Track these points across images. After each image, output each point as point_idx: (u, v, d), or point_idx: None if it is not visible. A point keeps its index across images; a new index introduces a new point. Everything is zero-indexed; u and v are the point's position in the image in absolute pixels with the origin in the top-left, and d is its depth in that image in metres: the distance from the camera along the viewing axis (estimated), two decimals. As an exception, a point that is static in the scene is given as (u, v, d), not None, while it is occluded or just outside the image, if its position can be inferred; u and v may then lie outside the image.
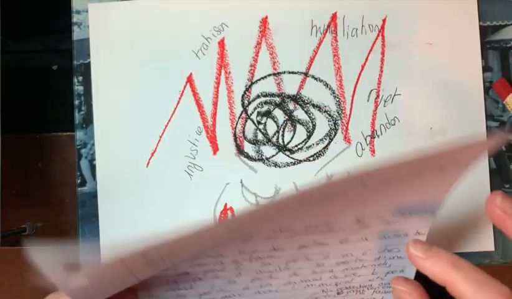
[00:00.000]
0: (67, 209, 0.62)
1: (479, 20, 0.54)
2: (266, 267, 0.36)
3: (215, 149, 0.56)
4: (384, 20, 0.55)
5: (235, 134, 0.56)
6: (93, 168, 0.57)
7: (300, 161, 0.56)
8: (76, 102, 0.57)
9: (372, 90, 0.55)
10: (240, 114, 0.56)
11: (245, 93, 0.56)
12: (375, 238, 0.36)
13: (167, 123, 0.56)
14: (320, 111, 0.55)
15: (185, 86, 0.56)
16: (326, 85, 0.55)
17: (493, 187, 0.54)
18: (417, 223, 0.36)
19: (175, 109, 0.56)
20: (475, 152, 0.31)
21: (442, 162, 0.31)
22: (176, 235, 0.28)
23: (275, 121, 0.56)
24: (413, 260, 0.33)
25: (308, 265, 0.36)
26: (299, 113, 0.56)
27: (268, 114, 0.56)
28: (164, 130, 0.56)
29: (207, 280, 0.36)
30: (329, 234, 0.35)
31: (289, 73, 0.56)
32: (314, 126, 0.55)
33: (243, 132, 0.56)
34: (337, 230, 0.34)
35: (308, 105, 0.56)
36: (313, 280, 0.37)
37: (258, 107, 0.56)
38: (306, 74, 0.56)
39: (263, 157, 0.56)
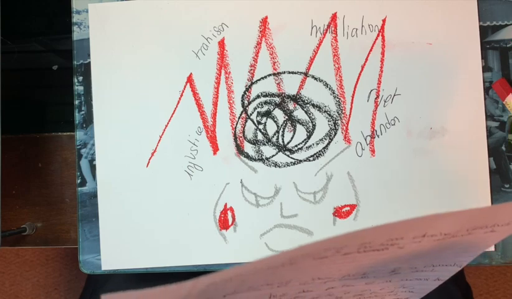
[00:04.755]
0: (67, 209, 0.62)
1: (479, 20, 0.54)
2: None
3: (215, 149, 0.56)
4: (383, 20, 0.55)
5: (235, 134, 0.56)
6: (93, 168, 0.57)
7: (300, 161, 0.56)
8: (76, 102, 0.57)
9: (372, 90, 0.55)
10: (240, 114, 0.56)
11: (245, 93, 0.56)
12: (398, 280, 0.36)
13: (167, 123, 0.56)
14: (320, 111, 0.55)
15: (185, 86, 0.56)
16: (326, 85, 0.55)
17: (493, 187, 0.54)
18: (441, 271, 0.35)
19: (175, 109, 0.56)
20: None
21: (494, 226, 0.30)
22: (226, 273, 0.27)
23: (275, 121, 0.56)
24: None
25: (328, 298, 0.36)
26: (299, 113, 0.56)
27: (268, 114, 0.56)
28: (164, 130, 0.56)
29: None
30: (361, 280, 0.35)
31: (289, 73, 0.56)
32: (314, 126, 0.55)
33: (243, 132, 0.56)
34: (370, 277, 0.34)
35: (308, 105, 0.56)
36: None
37: (258, 107, 0.56)
38: (306, 74, 0.56)
39: (263, 157, 0.56)
